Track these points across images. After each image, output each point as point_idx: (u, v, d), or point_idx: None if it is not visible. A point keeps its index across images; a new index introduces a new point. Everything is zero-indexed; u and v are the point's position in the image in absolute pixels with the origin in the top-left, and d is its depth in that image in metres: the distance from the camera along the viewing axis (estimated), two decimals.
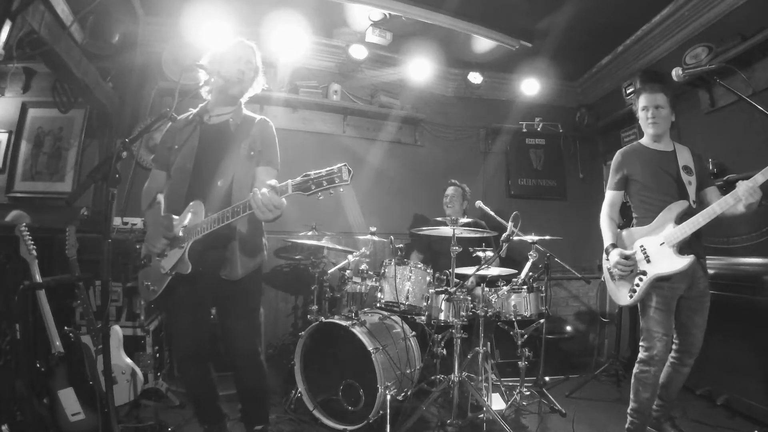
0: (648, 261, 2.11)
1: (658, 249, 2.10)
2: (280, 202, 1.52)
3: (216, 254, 1.84)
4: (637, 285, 2.12)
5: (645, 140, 2.31)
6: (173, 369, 3.15)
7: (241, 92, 1.95)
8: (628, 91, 3.79)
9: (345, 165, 1.46)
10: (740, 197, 1.88)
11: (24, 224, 2.17)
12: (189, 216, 1.79)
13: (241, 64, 1.91)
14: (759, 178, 1.86)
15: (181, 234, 1.76)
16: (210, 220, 1.70)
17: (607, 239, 2.27)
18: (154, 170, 1.99)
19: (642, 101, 2.25)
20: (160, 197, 1.93)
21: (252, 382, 2.01)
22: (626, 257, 2.14)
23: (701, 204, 2.14)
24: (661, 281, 2.08)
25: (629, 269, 2.13)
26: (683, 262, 2.03)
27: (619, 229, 2.29)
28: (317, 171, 1.48)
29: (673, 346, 2.18)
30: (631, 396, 2.16)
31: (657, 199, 2.17)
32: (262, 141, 1.91)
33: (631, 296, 2.14)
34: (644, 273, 2.11)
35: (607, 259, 2.23)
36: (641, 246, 2.15)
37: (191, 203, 1.80)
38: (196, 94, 1.94)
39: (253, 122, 1.96)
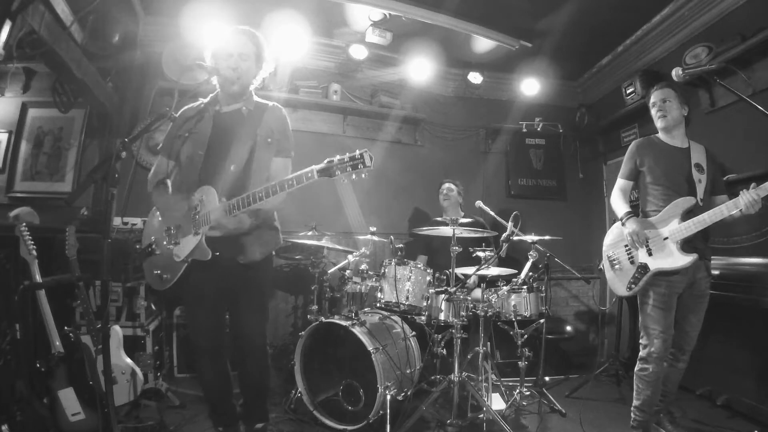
0: (650, 254, 2.12)
1: (662, 243, 2.10)
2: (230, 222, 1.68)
3: (232, 238, 1.84)
4: (638, 277, 2.13)
5: (661, 134, 2.34)
6: (173, 369, 3.16)
7: (243, 87, 1.92)
8: (628, 91, 3.78)
9: (366, 151, 1.55)
10: (740, 207, 1.92)
11: (24, 224, 2.17)
12: (200, 201, 1.79)
13: (232, 60, 1.85)
14: None
15: (197, 218, 1.78)
16: (228, 205, 1.71)
17: (623, 208, 2.26)
18: (160, 157, 1.97)
19: (651, 98, 2.31)
20: (167, 181, 1.93)
21: (257, 377, 2.02)
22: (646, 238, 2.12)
23: (709, 206, 2.13)
24: (660, 277, 2.09)
25: (642, 243, 2.13)
26: (686, 259, 2.04)
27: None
28: (340, 156, 1.56)
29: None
30: (634, 393, 2.17)
31: (665, 193, 2.18)
32: (279, 130, 1.94)
33: (630, 288, 2.16)
34: (645, 266, 2.12)
35: (624, 224, 2.21)
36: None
37: (199, 189, 1.81)
38: (196, 93, 1.94)
39: (265, 108, 1.96)
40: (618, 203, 2.32)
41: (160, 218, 1.95)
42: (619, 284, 2.23)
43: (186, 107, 1.97)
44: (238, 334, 1.97)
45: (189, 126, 1.89)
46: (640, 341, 2.16)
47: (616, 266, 2.25)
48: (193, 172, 1.87)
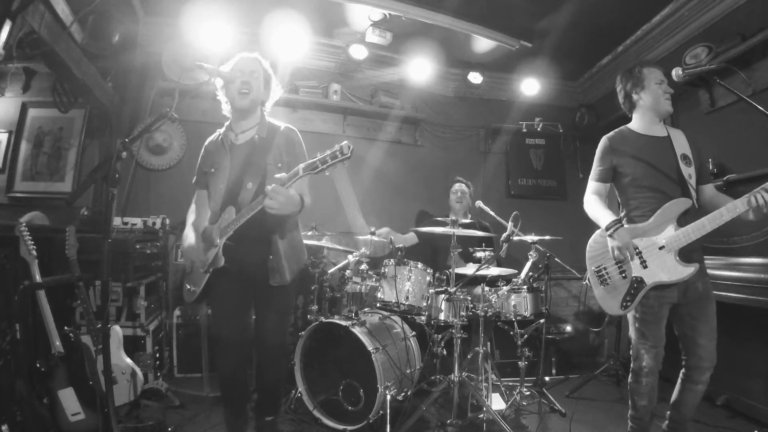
0: (645, 266, 1.90)
1: (657, 253, 1.88)
2: (285, 192, 1.70)
3: (259, 255, 1.92)
4: (633, 293, 1.91)
5: (637, 125, 2.08)
6: (173, 369, 3.16)
7: (253, 103, 1.99)
8: None
9: (346, 142, 1.64)
10: (750, 206, 1.73)
11: (24, 224, 2.17)
12: (222, 220, 1.92)
13: (245, 76, 1.95)
14: None
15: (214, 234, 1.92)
16: (238, 216, 1.83)
17: (607, 216, 1.97)
18: (198, 190, 2.12)
19: (658, 74, 2.00)
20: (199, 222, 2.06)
21: (274, 375, 2.09)
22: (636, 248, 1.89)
23: (699, 201, 1.99)
24: (650, 289, 1.90)
25: (630, 258, 1.92)
26: (687, 270, 1.83)
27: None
28: (321, 154, 1.68)
29: (682, 361, 1.97)
30: (630, 403, 2.02)
31: (653, 196, 1.94)
32: (288, 151, 1.99)
33: (625, 306, 1.93)
34: (641, 279, 1.90)
35: (612, 236, 1.93)
36: (636, 248, 1.92)
37: (225, 209, 1.91)
38: (197, 94, 1.96)
39: (276, 132, 2.02)
40: (599, 210, 2.03)
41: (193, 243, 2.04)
42: (611, 302, 1.98)
43: (208, 141, 2.11)
44: (258, 335, 2.04)
45: (212, 160, 2.03)
46: (630, 354, 1.99)
47: (607, 282, 1.99)
48: (215, 205, 1.98)
